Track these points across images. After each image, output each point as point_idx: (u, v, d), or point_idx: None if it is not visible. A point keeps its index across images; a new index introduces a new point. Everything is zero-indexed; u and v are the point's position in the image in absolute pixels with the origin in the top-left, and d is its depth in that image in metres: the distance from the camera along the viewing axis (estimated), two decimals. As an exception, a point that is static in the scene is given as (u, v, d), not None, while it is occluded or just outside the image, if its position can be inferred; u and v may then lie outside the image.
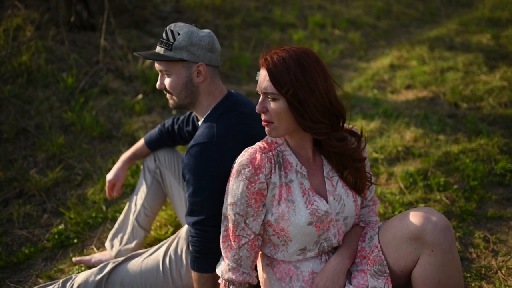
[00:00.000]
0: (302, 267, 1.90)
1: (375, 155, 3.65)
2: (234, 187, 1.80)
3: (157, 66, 2.14)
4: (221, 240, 1.90)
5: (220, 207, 1.98)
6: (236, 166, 1.81)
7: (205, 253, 2.04)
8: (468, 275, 2.51)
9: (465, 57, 5.59)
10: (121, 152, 3.77)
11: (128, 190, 3.38)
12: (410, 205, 3.05)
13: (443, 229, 1.69)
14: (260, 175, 1.77)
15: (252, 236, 1.83)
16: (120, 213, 3.13)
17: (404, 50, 6.07)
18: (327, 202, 1.87)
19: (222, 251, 1.90)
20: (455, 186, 3.19)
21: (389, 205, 3.07)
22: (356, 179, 1.92)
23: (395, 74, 5.32)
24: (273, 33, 6.31)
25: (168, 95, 2.19)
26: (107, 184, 2.67)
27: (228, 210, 1.83)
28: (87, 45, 4.99)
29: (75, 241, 2.93)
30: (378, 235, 1.88)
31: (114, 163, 3.65)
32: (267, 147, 1.85)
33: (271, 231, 1.86)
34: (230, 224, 1.84)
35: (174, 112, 4.42)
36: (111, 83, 4.61)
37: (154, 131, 2.65)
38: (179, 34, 2.06)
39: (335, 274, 1.84)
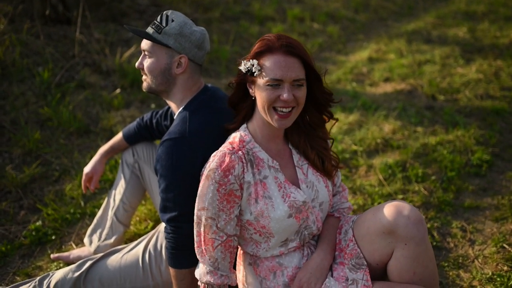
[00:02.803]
0: (286, 263, 1.90)
1: (354, 147, 3.67)
2: (205, 191, 1.79)
3: (142, 45, 2.14)
4: (195, 246, 1.88)
5: (191, 202, 1.95)
6: (205, 171, 1.80)
7: (181, 249, 2.02)
8: (446, 264, 2.55)
9: (442, 50, 5.66)
10: (99, 147, 3.70)
11: (107, 185, 3.34)
12: (389, 197, 3.08)
13: (415, 223, 1.71)
14: (230, 176, 1.76)
15: (224, 238, 1.82)
16: (99, 208, 3.09)
17: (382, 44, 6.11)
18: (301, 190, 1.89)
19: (198, 256, 1.88)
20: (433, 177, 3.23)
21: (368, 196, 3.10)
22: (323, 160, 1.95)
23: (373, 67, 5.36)
24: (252, 26, 6.29)
25: (143, 77, 2.18)
26: (83, 177, 2.64)
27: (199, 215, 1.82)
28: (63, 38, 4.90)
29: (53, 237, 2.89)
30: (352, 229, 1.90)
31: (92, 158, 3.59)
32: (235, 147, 1.83)
33: (252, 229, 1.86)
34: (202, 229, 1.82)
35: (153, 106, 4.38)
36: (88, 78, 4.54)
37: (132, 125, 2.62)
38: (173, 21, 2.06)
39: (318, 270, 1.85)
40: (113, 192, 2.69)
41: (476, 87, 4.59)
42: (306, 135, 1.97)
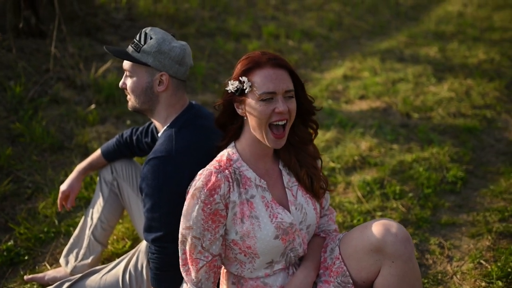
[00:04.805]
0: (271, 282, 1.88)
1: (332, 164, 3.70)
2: (190, 210, 1.76)
3: (123, 64, 2.12)
4: (180, 264, 1.85)
5: (177, 221, 1.91)
6: (191, 190, 1.78)
7: (165, 270, 1.99)
8: (426, 281, 2.57)
9: (415, 68, 5.79)
10: (74, 164, 3.64)
11: (82, 203, 3.26)
12: (368, 214, 3.10)
13: (403, 241, 1.72)
14: (215, 196, 1.74)
15: (209, 258, 1.80)
16: (74, 227, 3.01)
17: (356, 61, 6.22)
18: (289, 212, 1.87)
19: (183, 275, 1.85)
20: (410, 194, 3.27)
21: (347, 214, 3.11)
22: (312, 179, 1.95)
23: (348, 84, 5.43)
24: (227, 43, 6.31)
25: (128, 96, 2.17)
26: (60, 195, 2.58)
27: (184, 234, 1.79)
28: (36, 52, 4.81)
29: (26, 257, 2.79)
30: (339, 247, 1.90)
31: (66, 175, 3.51)
32: (222, 165, 1.82)
33: (237, 249, 1.83)
34: (187, 248, 1.80)
35: (128, 122, 4.32)
36: (62, 93, 4.46)
37: (111, 142, 2.58)
38: (151, 38, 2.04)
39: (302, 287, 1.83)
40: (91, 210, 2.62)
41: (449, 105, 4.71)
42: (296, 152, 1.96)
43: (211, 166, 1.82)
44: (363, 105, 4.85)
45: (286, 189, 1.91)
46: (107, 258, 2.77)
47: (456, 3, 10.09)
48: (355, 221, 3.02)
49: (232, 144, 1.91)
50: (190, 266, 1.82)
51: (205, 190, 1.74)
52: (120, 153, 2.57)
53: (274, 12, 7.74)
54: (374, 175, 3.52)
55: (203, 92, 5.16)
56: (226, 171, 1.80)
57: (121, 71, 5.00)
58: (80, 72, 4.70)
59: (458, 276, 2.59)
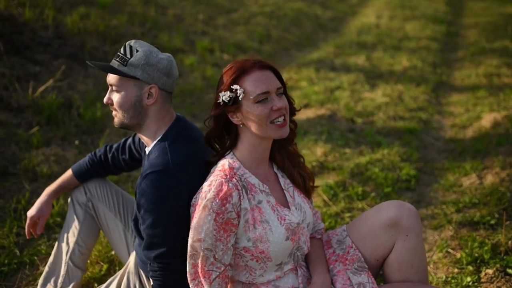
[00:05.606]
0: (282, 284, 1.90)
1: (292, 171, 3.77)
2: (201, 222, 1.75)
3: (108, 79, 2.04)
4: (189, 279, 1.81)
5: (180, 236, 1.89)
6: (202, 202, 1.76)
7: (170, 286, 1.93)
8: (404, 274, 2.70)
9: (348, 77, 6.07)
10: (24, 189, 3.43)
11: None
12: (338, 216, 3.21)
13: (415, 215, 1.94)
14: (227, 205, 1.75)
15: (222, 269, 1.79)
16: (39, 256, 2.84)
17: (293, 72, 6.40)
18: None
19: None
20: (373, 194, 3.43)
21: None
22: (304, 178, 2.03)
23: (290, 94, 5.56)
24: (163, 58, 6.23)
25: (114, 112, 2.08)
26: (28, 221, 2.43)
27: (195, 247, 1.77)
28: (-37, 74, 4.46)
29: (-10, 293, 2.58)
30: (349, 236, 2.01)
31: (18, 201, 3.30)
32: (228, 174, 1.82)
33: (249, 256, 1.83)
34: (198, 260, 1.77)
35: (77, 142, 4.13)
36: (-2, 115, 4.17)
37: (83, 161, 2.47)
38: (137, 51, 1.99)
39: None
40: (65, 235, 2.48)
41: (387, 109, 4.99)
42: (286, 154, 2.01)
43: (218, 176, 1.81)
44: (309, 113, 5.00)
45: (284, 191, 1.97)
46: (85, 284, 2.63)
47: (369, 15, 10.70)
48: (326, 224, 3.11)
49: (230, 154, 1.91)
50: (202, 279, 1.79)
51: (217, 200, 1.73)
52: (94, 172, 2.46)
53: (203, 27, 7.76)
54: (335, 178, 3.64)
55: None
56: (234, 179, 1.81)
57: (61, 90, 4.80)
58: (16, 92, 4.43)
59: (431, 266, 2.75)
